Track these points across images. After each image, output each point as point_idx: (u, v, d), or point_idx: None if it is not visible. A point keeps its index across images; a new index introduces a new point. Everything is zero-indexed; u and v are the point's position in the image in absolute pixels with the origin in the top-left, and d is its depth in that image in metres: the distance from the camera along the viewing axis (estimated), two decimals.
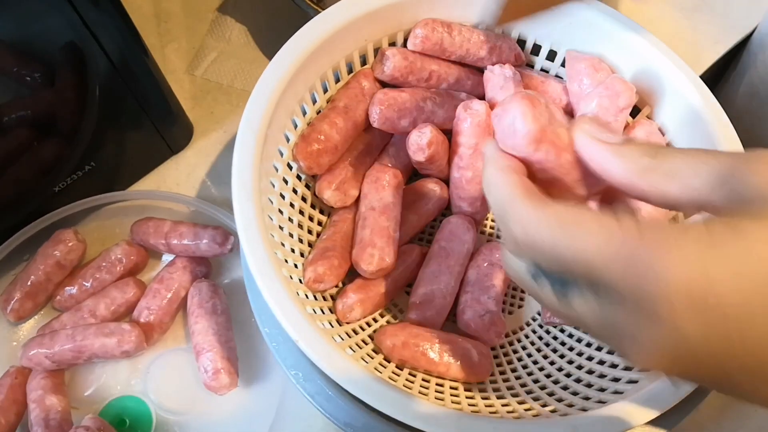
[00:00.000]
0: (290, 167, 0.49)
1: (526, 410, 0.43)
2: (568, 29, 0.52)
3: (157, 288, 0.54)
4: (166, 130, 0.60)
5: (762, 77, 0.59)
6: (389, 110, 0.50)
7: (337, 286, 0.50)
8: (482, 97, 0.54)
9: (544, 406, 0.43)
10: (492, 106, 0.52)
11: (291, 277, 0.44)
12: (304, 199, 0.51)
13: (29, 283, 0.54)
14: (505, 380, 0.48)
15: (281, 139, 0.47)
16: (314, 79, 0.49)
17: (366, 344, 0.47)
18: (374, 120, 0.50)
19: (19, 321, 0.55)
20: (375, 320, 0.51)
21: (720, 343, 0.22)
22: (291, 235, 0.48)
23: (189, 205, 0.59)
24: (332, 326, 0.46)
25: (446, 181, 0.54)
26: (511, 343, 0.52)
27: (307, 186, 0.52)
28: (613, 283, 0.23)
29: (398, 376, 0.44)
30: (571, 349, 0.50)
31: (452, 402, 0.43)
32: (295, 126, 0.49)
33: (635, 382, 0.42)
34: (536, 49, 0.55)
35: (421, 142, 0.49)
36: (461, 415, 0.40)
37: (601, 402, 0.42)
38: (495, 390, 0.47)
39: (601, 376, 0.45)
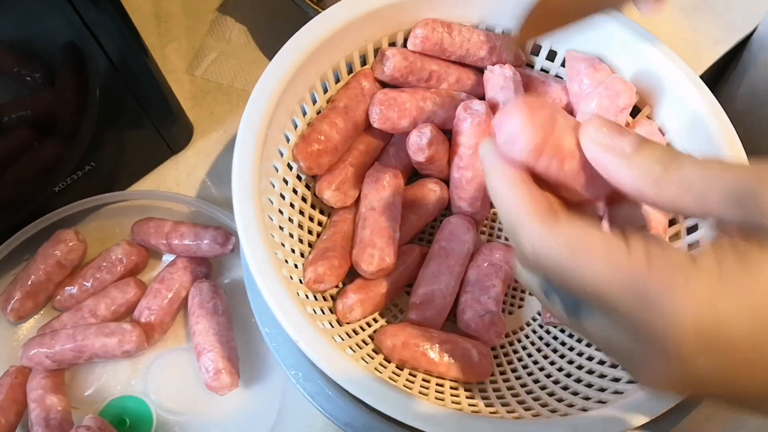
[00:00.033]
0: (290, 167, 0.49)
1: (526, 410, 0.43)
2: (568, 29, 0.52)
3: (157, 288, 0.54)
4: (166, 130, 0.60)
5: (762, 77, 0.59)
6: (389, 110, 0.50)
7: (337, 287, 0.50)
8: (482, 97, 0.54)
9: (544, 406, 0.44)
10: (492, 106, 0.52)
11: (291, 278, 0.44)
12: (304, 200, 0.51)
13: (29, 283, 0.54)
14: (505, 380, 0.48)
15: (281, 139, 0.47)
16: (314, 79, 0.49)
17: (366, 344, 0.47)
18: (374, 120, 0.50)
19: (19, 321, 0.55)
20: (375, 320, 0.51)
21: (729, 375, 0.22)
22: (291, 236, 0.48)
23: (189, 205, 0.59)
24: (332, 326, 0.46)
25: (446, 181, 0.54)
26: (511, 343, 0.52)
27: (307, 186, 0.52)
28: (622, 314, 0.23)
29: (398, 376, 0.44)
30: (571, 349, 0.50)
31: (452, 402, 0.43)
32: (295, 126, 0.49)
33: (635, 382, 0.42)
34: (536, 49, 0.55)
35: (421, 142, 0.49)
36: (461, 415, 0.40)
37: (602, 402, 0.42)
38: (495, 390, 0.47)
39: (602, 376, 0.45)
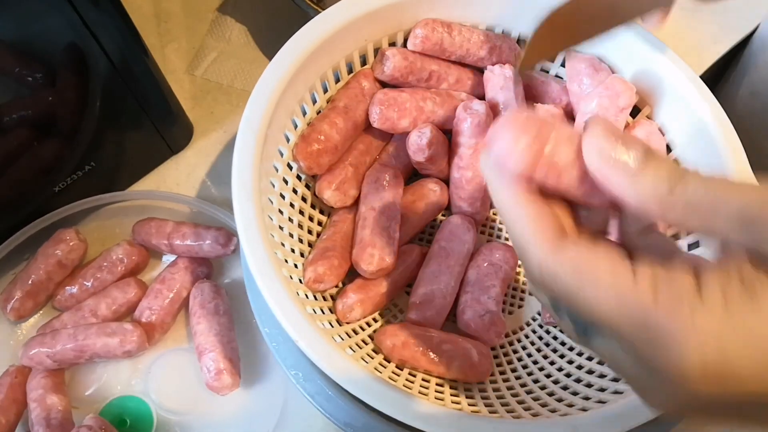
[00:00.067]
0: (290, 167, 0.49)
1: (526, 410, 0.43)
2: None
3: (158, 288, 0.54)
4: (166, 130, 0.60)
5: (763, 78, 0.59)
6: (389, 110, 0.50)
7: (337, 286, 0.50)
8: (482, 97, 0.54)
9: (544, 406, 0.44)
10: (492, 106, 0.52)
11: (291, 277, 0.44)
12: (304, 199, 0.51)
13: (30, 283, 0.54)
14: (505, 380, 0.48)
15: (281, 139, 0.47)
16: (314, 79, 0.49)
17: (366, 344, 0.47)
18: (374, 120, 0.50)
19: (19, 320, 0.55)
20: (375, 320, 0.51)
21: (734, 405, 0.22)
22: (291, 235, 0.48)
23: (189, 205, 0.59)
24: (332, 326, 0.46)
25: (446, 181, 0.54)
26: (511, 343, 0.52)
27: (307, 186, 0.52)
28: (627, 343, 0.23)
29: (398, 376, 0.44)
30: (571, 349, 0.50)
31: (452, 402, 0.43)
32: (295, 126, 0.49)
33: None
34: None
35: (421, 142, 0.49)
36: (461, 415, 0.40)
37: (602, 402, 0.42)
38: (495, 390, 0.47)
39: (601, 376, 0.45)
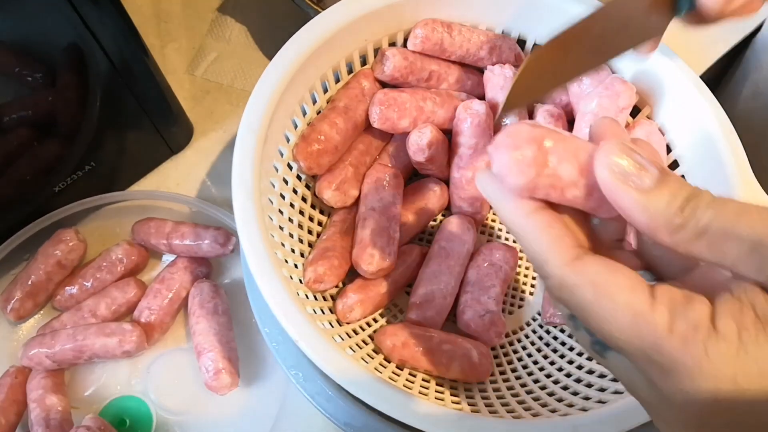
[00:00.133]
0: (290, 167, 0.49)
1: (526, 410, 0.43)
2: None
3: (158, 288, 0.54)
4: (166, 130, 0.60)
5: (766, 78, 0.59)
6: (389, 110, 0.50)
7: (337, 286, 0.50)
8: (482, 97, 0.54)
9: (544, 406, 0.43)
10: (492, 106, 0.52)
11: (291, 277, 0.44)
12: (304, 200, 0.51)
13: (30, 283, 0.54)
14: (505, 380, 0.48)
15: (281, 139, 0.47)
16: (314, 79, 0.49)
17: (366, 344, 0.47)
18: (374, 120, 0.50)
19: (19, 320, 0.55)
20: (375, 320, 0.51)
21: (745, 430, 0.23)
22: (291, 236, 0.48)
23: (189, 205, 0.59)
24: (332, 326, 0.46)
25: (446, 181, 0.54)
26: (511, 343, 0.52)
27: (307, 186, 0.52)
28: (641, 368, 0.24)
29: (398, 376, 0.44)
30: (571, 349, 0.50)
31: (452, 402, 0.43)
32: (295, 126, 0.49)
33: None
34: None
35: (421, 142, 0.49)
36: (461, 415, 0.40)
37: (602, 402, 0.42)
38: (495, 390, 0.47)
39: (602, 376, 0.45)
